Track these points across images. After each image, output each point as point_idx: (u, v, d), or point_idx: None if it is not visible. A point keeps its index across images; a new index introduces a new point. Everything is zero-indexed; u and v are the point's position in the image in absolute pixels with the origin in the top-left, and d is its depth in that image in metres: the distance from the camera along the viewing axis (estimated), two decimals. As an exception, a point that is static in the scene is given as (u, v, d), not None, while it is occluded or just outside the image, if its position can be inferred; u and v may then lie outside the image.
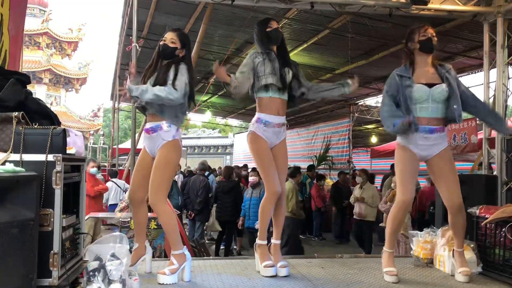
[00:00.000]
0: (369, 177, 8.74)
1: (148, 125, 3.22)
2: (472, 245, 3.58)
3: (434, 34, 3.32)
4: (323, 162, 14.92)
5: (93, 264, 2.68)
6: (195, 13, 8.78)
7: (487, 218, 3.56)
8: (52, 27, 29.27)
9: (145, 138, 3.25)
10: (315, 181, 11.06)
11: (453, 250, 3.46)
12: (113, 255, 2.72)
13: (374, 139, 19.71)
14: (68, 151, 2.86)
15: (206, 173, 11.14)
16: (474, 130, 8.16)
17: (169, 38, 3.23)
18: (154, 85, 3.09)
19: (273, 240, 3.47)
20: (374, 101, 16.30)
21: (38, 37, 28.85)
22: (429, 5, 4.46)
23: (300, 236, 10.46)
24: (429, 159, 3.33)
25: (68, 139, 2.96)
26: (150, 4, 8.43)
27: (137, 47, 6.76)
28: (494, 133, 4.76)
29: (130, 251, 3.04)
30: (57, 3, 78.25)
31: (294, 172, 7.49)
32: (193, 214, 8.60)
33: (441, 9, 4.41)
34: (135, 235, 3.34)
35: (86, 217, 7.52)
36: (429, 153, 3.31)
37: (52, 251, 2.43)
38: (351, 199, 8.44)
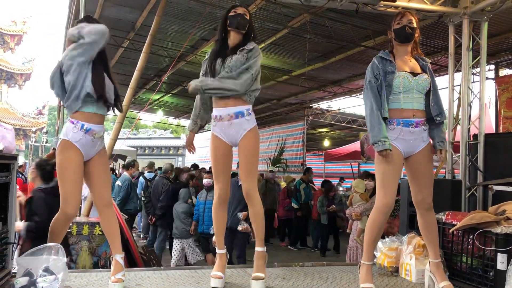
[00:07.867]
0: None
1: (95, 126, 2.85)
2: (440, 253, 3.43)
3: (412, 21, 3.00)
4: (277, 165, 14.78)
5: (22, 281, 2.28)
6: (148, 6, 8.35)
7: (454, 225, 3.45)
8: (-7, 18, 27.79)
9: (82, 140, 2.79)
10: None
11: (429, 262, 3.17)
12: (46, 270, 2.32)
13: (326, 143, 19.86)
14: (-6, 147, 2.45)
15: (152, 174, 10.72)
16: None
17: None
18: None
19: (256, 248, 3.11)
20: (327, 104, 16.34)
21: (-24, 28, 27.32)
22: (397, 3, 4.34)
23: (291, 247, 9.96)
24: (411, 156, 3.03)
25: (-6, 133, 2.56)
26: (99, -7, 7.92)
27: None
28: (458, 137, 4.68)
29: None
30: (0, -5, 74.16)
31: None
32: (154, 219, 8.14)
33: (409, 7, 4.28)
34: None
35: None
36: (413, 150, 3.01)
37: (-32, 267, 2.02)
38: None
